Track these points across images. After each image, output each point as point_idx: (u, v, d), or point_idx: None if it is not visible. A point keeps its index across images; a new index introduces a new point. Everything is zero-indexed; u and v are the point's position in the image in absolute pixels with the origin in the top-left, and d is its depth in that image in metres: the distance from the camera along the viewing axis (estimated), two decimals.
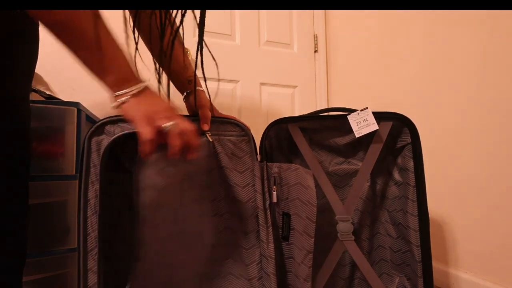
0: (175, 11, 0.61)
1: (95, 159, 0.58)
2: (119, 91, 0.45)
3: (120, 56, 0.46)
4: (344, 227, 0.69)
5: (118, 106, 0.46)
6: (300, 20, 1.64)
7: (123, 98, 0.45)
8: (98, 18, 0.43)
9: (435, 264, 1.00)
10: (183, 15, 0.58)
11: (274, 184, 0.67)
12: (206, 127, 0.64)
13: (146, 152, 0.46)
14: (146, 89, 0.47)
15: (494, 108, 0.86)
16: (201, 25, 0.54)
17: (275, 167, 0.68)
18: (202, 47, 0.57)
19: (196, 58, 0.60)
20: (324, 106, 1.62)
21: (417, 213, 0.66)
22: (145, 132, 0.45)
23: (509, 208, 0.82)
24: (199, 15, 0.54)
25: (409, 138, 0.68)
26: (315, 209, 0.61)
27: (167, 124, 0.46)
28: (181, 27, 0.60)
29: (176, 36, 0.62)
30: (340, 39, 1.58)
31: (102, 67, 0.44)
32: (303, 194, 0.64)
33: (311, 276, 0.63)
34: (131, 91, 0.45)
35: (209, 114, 0.65)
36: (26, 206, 0.55)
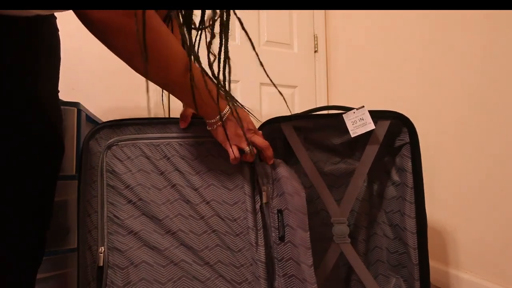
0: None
1: (93, 161, 0.60)
2: (210, 119, 0.57)
3: (213, 91, 0.54)
4: (339, 229, 0.68)
5: (210, 129, 0.59)
6: (300, 20, 1.63)
7: (214, 127, 0.58)
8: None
9: (435, 264, 0.99)
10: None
11: (264, 184, 0.65)
12: (182, 124, 0.64)
13: (234, 163, 0.60)
14: (229, 115, 0.57)
15: (495, 108, 0.85)
16: (226, 24, 0.55)
17: (261, 166, 0.67)
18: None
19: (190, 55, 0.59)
20: None
21: (414, 215, 0.65)
22: (232, 153, 0.58)
23: (509, 208, 0.81)
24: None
25: (408, 137, 0.67)
26: (304, 199, 0.60)
27: (246, 149, 0.59)
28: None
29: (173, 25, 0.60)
30: (340, 39, 1.57)
31: (199, 104, 0.54)
32: (287, 187, 0.62)
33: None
34: (218, 121, 0.57)
35: (187, 113, 0.64)
36: (52, 204, 0.54)
